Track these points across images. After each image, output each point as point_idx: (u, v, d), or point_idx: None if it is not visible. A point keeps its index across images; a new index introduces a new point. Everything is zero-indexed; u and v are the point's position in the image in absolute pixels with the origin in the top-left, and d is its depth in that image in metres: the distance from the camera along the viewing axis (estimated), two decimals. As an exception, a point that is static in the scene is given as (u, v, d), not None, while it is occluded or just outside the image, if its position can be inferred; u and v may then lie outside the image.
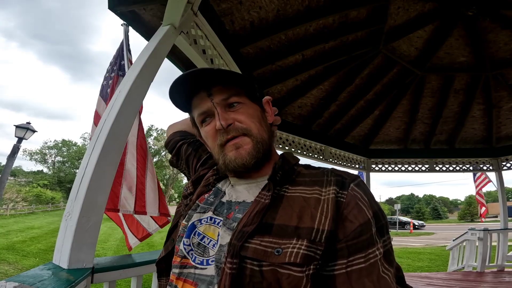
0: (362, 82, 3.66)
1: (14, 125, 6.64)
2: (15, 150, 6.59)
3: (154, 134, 43.76)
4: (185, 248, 0.60)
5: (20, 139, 6.63)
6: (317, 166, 0.68)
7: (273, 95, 3.49)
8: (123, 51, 2.70)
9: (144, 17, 1.99)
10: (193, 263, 0.57)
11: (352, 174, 0.60)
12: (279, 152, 0.72)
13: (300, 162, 0.70)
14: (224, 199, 0.66)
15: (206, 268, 0.56)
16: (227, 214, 0.61)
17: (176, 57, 2.33)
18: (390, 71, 3.54)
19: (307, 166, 0.68)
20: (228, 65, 2.26)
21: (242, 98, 0.65)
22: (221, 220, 0.61)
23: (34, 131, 6.80)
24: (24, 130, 6.62)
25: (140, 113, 2.66)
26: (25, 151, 38.87)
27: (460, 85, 3.76)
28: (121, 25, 2.50)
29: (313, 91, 3.60)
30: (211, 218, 0.62)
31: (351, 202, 0.53)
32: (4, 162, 7.15)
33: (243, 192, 0.64)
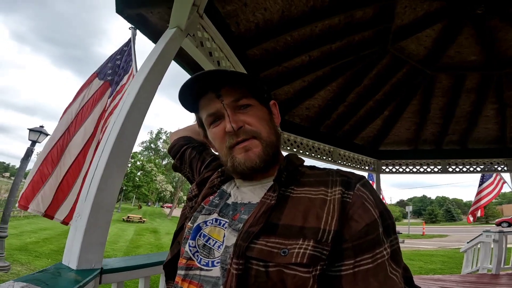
0: (370, 82, 3.61)
1: (28, 129, 6.79)
2: (29, 153, 6.75)
3: (164, 137, 44.30)
4: (190, 250, 0.60)
5: (33, 142, 6.78)
6: (322, 167, 0.68)
7: (280, 96, 3.48)
8: (117, 54, 2.75)
9: (151, 20, 2.01)
10: (199, 265, 0.58)
11: (358, 175, 0.59)
12: (284, 154, 0.72)
13: (305, 164, 0.70)
14: (229, 201, 0.66)
15: (211, 270, 0.56)
16: (233, 215, 0.61)
17: (183, 59, 2.34)
18: (399, 71, 3.48)
19: (312, 167, 0.67)
20: (234, 67, 2.26)
21: (251, 100, 0.65)
22: (226, 222, 0.61)
23: (47, 134, 6.94)
24: (38, 133, 6.77)
25: (105, 111, 2.66)
26: (39, 154, 39.73)
27: (471, 84, 3.67)
28: (129, 28, 2.55)
29: (321, 92, 3.57)
30: (216, 219, 0.63)
31: (357, 202, 0.52)
32: (18, 165, 7.32)
33: (248, 194, 0.64)
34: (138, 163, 36.81)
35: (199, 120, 0.73)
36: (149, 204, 57.16)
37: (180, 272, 0.60)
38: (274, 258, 0.48)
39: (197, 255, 0.59)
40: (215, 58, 1.97)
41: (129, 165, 36.30)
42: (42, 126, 6.94)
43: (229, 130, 0.61)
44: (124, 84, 2.74)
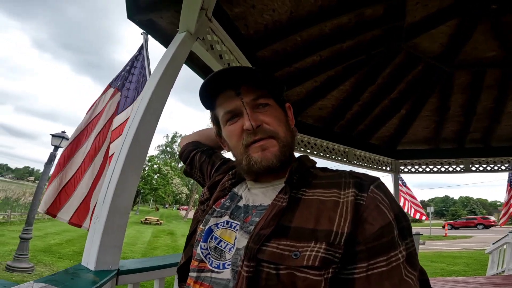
0: (384, 81, 3.52)
1: (51, 134, 7.06)
2: (51, 157, 7.00)
3: (179, 140, 45.01)
4: (202, 252, 0.61)
5: (56, 147, 7.02)
6: (334, 169, 0.67)
7: (292, 97, 3.46)
8: (132, 62, 2.82)
9: (161, 25, 2.03)
10: (210, 267, 0.58)
11: (371, 176, 0.58)
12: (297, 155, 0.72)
13: (317, 165, 0.69)
14: (240, 203, 0.66)
15: (222, 272, 0.56)
16: (244, 218, 0.61)
17: (195, 63, 2.37)
18: (414, 68, 3.37)
19: (324, 169, 0.66)
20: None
21: (269, 99, 0.66)
22: (237, 224, 0.61)
23: (68, 139, 7.22)
24: (60, 138, 7.01)
25: (114, 115, 2.75)
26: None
27: (491, 80, 3.50)
28: (141, 34, 2.61)
29: (334, 92, 3.52)
30: (227, 222, 0.63)
31: (371, 205, 0.51)
32: (42, 169, 7.64)
33: (259, 196, 0.64)
34: (155, 166, 37.58)
35: (214, 117, 0.73)
36: (166, 206, 58.23)
37: (192, 274, 0.60)
38: (285, 261, 0.48)
39: (209, 257, 0.59)
40: (225, 60, 1.98)
41: (147, 168, 37.18)
42: (64, 132, 7.19)
43: (247, 128, 0.61)
44: None
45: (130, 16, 1.90)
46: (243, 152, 0.63)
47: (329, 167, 0.69)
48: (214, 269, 0.57)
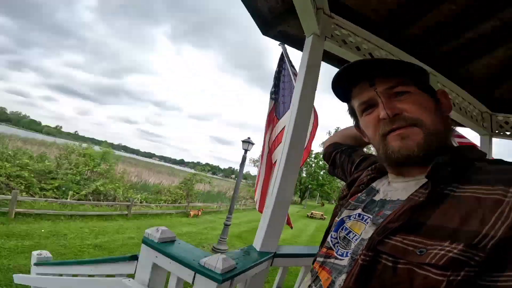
0: None
1: (241, 140, 8.95)
2: (243, 159, 8.98)
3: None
4: (331, 241, 0.66)
5: (245, 151, 8.91)
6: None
7: (478, 72, 2.60)
8: (278, 73, 3.10)
9: (291, 33, 2.13)
10: (336, 254, 0.62)
11: None
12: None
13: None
14: (376, 198, 0.66)
15: (343, 259, 0.59)
16: (378, 211, 0.61)
17: (332, 60, 2.29)
18: None
19: (496, 161, 0.55)
20: (392, 54, 1.99)
21: (410, 87, 0.62)
22: (369, 217, 0.62)
23: (252, 143, 8.97)
24: (247, 143, 8.83)
25: (271, 117, 3.06)
26: (251, 159, 49.74)
27: None
28: (278, 45, 2.86)
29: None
30: (359, 214, 0.65)
31: None
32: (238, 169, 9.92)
33: (399, 190, 0.62)
34: (320, 162, 39.03)
35: (351, 109, 0.75)
36: (333, 202, 58.93)
37: (319, 259, 0.66)
38: (407, 256, 0.46)
39: (337, 246, 0.63)
40: (363, 51, 1.85)
41: (313, 165, 39.28)
42: (249, 138, 8.97)
43: (383, 117, 0.60)
44: None
45: (264, 33, 2.12)
46: (380, 142, 0.62)
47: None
48: (338, 256, 0.61)
